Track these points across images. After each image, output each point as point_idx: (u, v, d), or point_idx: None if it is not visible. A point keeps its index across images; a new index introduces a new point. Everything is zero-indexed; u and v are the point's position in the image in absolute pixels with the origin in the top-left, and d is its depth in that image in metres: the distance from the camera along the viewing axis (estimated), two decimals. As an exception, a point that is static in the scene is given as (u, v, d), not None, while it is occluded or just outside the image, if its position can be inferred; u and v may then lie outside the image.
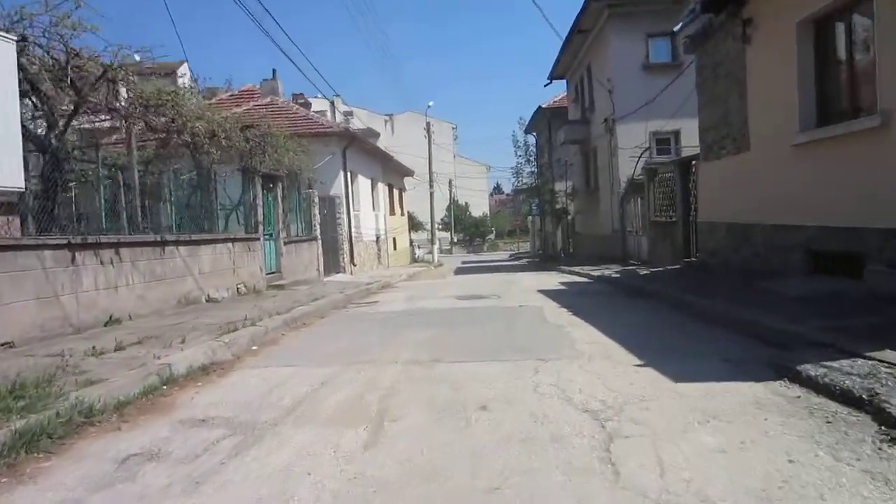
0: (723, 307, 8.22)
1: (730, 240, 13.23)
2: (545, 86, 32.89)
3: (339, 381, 5.88)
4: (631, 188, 22.40)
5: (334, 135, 22.88)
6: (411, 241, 43.72)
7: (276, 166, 16.22)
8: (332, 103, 66.39)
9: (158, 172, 12.55)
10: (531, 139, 37.10)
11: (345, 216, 23.22)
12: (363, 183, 26.80)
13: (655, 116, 22.43)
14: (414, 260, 40.48)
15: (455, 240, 70.66)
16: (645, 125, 22.68)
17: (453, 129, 74.13)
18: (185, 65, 47.44)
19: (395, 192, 35.21)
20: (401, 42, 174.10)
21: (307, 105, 30.00)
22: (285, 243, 16.72)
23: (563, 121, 29.93)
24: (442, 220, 68.52)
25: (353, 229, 23.91)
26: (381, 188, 30.62)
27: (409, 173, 38.69)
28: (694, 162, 16.31)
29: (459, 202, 73.10)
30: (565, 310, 10.27)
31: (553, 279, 18.10)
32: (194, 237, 11.65)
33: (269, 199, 16.11)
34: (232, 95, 25.87)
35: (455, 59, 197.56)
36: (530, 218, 53.71)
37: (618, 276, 16.21)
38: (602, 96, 24.63)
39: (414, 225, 47.57)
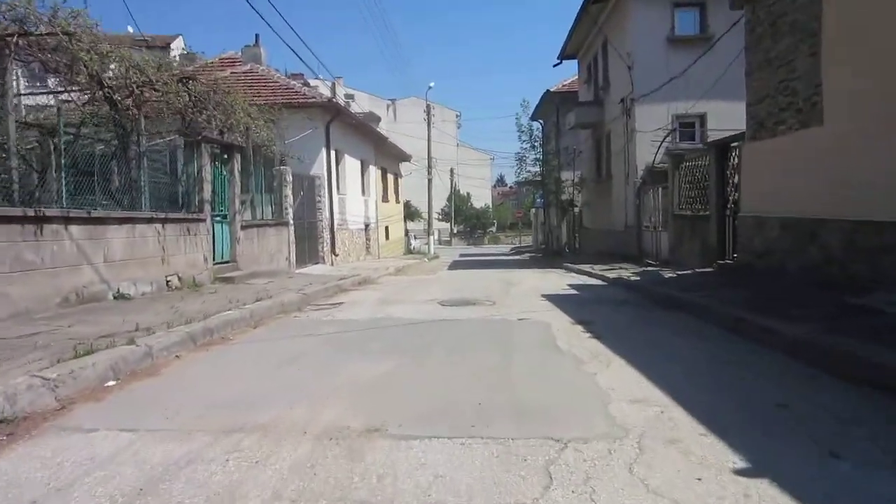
0: (833, 341, 5.35)
1: (787, 238, 10.39)
2: (554, 66, 29.99)
3: (176, 485, 3.06)
4: (650, 177, 19.53)
5: (316, 106, 20.00)
6: (407, 231, 40.88)
7: (237, 136, 13.39)
8: (333, 85, 63.70)
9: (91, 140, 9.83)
10: (536, 125, 34.12)
11: (326, 199, 20.37)
12: (351, 164, 23.94)
13: (679, 97, 19.57)
14: (409, 251, 37.65)
15: (455, 231, 67.75)
16: (667, 107, 19.81)
17: (457, 116, 71.13)
18: (181, 38, 44.60)
19: (390, 177, 32.35)
20: (407, 33, 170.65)
21: (306, 86, 27.09)
22: (243, 227, 13.91)
23: (572, 105, 26.98)
24: (442, 210, 65.63)
25: (335, 215, 21.06)
26: (373, 172, 27.75)
27: (406, 158, 35.79)
28: (734, 144, 13.44)
29: (461, 192, 70.15)
30: (581, 328, 7.44)
31: (559, 280, 15.27)
32: (95, 214, 8.80)
33: (224, 173, 13.29)
34: (209, 64, 22.98)
35: (461, 51, 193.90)
36: (533, 210, 50.85)
37: (637, 278, 13.37)
38: (619, 74, 21.71)
39: (410, 214, 44.72)
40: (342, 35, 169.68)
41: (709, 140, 14.40)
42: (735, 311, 7.47)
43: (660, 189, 17.97)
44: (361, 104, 62.29)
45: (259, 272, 14.30)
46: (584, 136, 28.24)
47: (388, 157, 31.34)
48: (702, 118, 20.07)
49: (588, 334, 7.01)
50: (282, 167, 16.81)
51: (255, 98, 17.28)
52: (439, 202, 64.18)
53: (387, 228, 30.79)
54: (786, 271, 10.30)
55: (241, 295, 10.26)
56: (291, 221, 17.05)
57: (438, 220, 65.05)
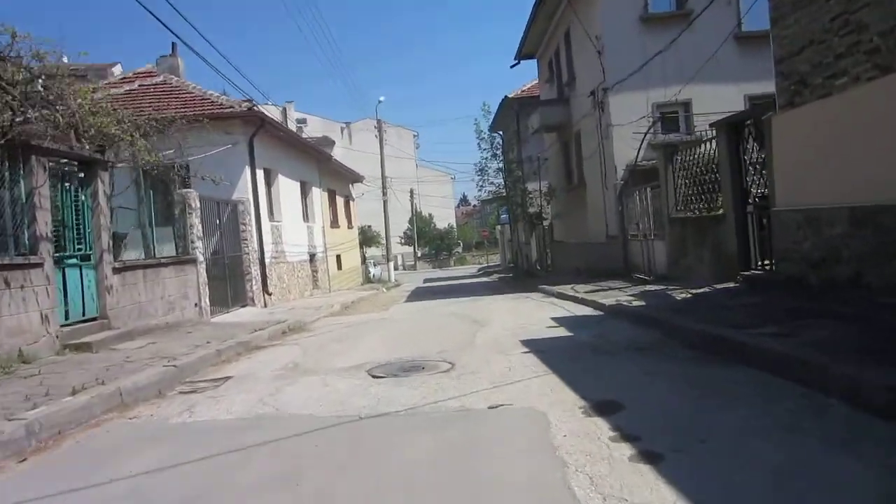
0: None
1: (863, 238, 7.07)
2: (512, 66, 26.85)
3: None
4: (632, 178, 16.27)
5: (235, 117, 16.40)
6: (364, 259, 37.21)
7: (112, 153, 9.82)
8: (284, 110, 60.23)
9: None
10: (497, 137, 30.61)
11: (253, 228, 16.70)
12: (288, 186, 20.31)
13: (658, 83, 16.46)
14: (368, 280, 33.96)
15: (419, 254, 64.13)
16: (645, 95, 16.64)
17: (414, 136, 67.77)
18: (119, 66, 41.09)
19: (340, 200, 28.73)
20: (354, 52, 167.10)
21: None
22: (119, 270, 10.21)
23: (534, 108, 23.66)
24: (404, 233, 62.05)
25: (267, 246, 17.39)
26: (318, 195, 24.14)
27: (359, 178, 32.24)
28: (748, 122, 10.20)
29: (423, 213, 66.63)
30: (608, 428, 3.95)
31: (539, 309, 11.82)
32: None
33: (82, 198, 9.61)
34: (124, 78, 19.34)
35: (418, 78, 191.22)
36: (499, 227, 47.54)
37: (641, 303, 9.97)
38: (586, 64, 18.52)
39: (368, 240, 41.10)
40: (292, 58, 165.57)
41: (715, 121, 11.13)
42: (879, 374, 4.07)
43: (647, 190, 14.68)
44: (314, 128, 58.72)
45: (147, 328, 10.60)
46: (549, 141, 25.02)
47: (336, 178, 27.77)
48: (686, 105, 16.92)
49: (626, 449, 3.52)
50: (184, 191, 13.16)
51: (161, 110, 13.85)
52: (401, 225, 60.66)
53: (338, 257, 27.12)
54: (866, 286, 6.98)
55: (70, 378, 6.61)
56: (202, 258, 13.37)
57: (401, 243, 61.53)
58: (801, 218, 8.29)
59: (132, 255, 11.91)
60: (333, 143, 59.11)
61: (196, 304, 12.93)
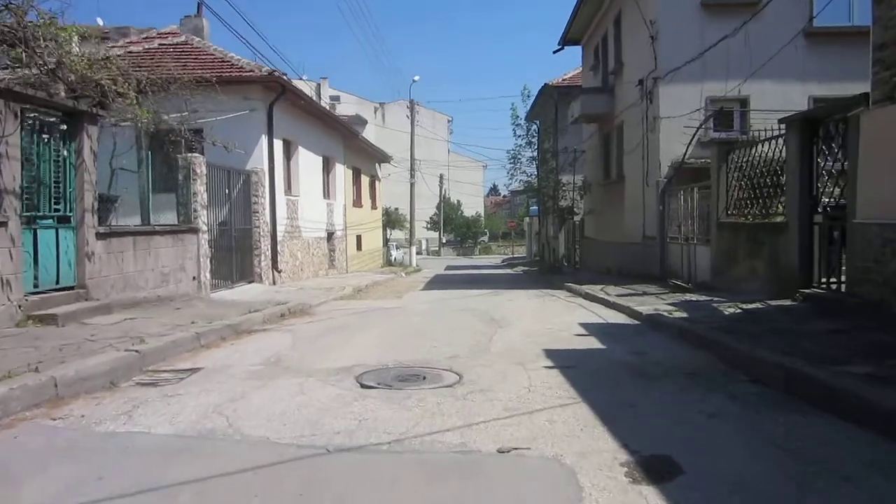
0: None
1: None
2: (555, 52, 25.33)
3: None
4: (677, 176, 14.91)
5: (253, 81, 15.30)
6: (387, 241, 36.12)
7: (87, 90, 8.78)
8: (318, 86, 59.36)
9: None
10: (533, 126, 29.10)
11: (267, 200, 15.63)
12: (309, 159, 19.22)
13: (715, 76, 15.09)
14: (388, 263, 32.90)
15: (444, 240, 62.96)
16: (699, 88, 15.24)
17: (449, 121, 66.41)
18: (154, 31, 40.32)
19: (365, 179, 27.61)
20: (400, 42, 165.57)
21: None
22: (104, 235, 9.17)
23: (575, 97, 22.18)
24: (431, 218, 60.90)
25: (281, 220, 16.33)
26: (341, 171, 23.04)
27: (387, 158, 31.07)
28: (827, 120, 8.84)
29: (451, 200, 65.38)
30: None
31: (565, 312, 10.59)
32: None
33: (62, 152, 8.56)
34: (146, 38, 18.36)
35: (455, 59, 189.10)
36: (527, 219, 46.19)
37: (683, 315, 8.69)
38: (637, 51, 17.14)
39: (392, 221, 40.01)
40: (331, 41, 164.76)
41: (786, 117, 9.75)
42: None
43: (694, 190, 13.32)
44: (348, 106, 57.70)
45: (133, 301, 9.58)
46: (589, 132, 23.65)
47: (362, 155, 26.65)
48: (742, 102, 15.49)
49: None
50: (190, 155, 12.10)
51: (176, 71, 12.85)
52: (428, 210, 59.56)
53: (359, 238, 26.04)
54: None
55: (8, 359, 5.57)
56: (204, 228, 12.32)
57: (427, 228, 60.48)
58: (891, 234, 6.95)
59: (128, 221, 10.95)
60: (366, 121, 58.20)
61: (194, 278, 11.90)
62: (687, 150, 14.41)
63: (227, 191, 13.89)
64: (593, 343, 7.24)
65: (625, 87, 18.29)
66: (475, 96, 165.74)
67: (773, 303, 9.12)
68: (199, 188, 12.22)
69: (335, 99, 58.47)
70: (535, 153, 25.17)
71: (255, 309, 10.08)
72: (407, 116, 36.77)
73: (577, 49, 25.39)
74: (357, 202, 26.07)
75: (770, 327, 7.19)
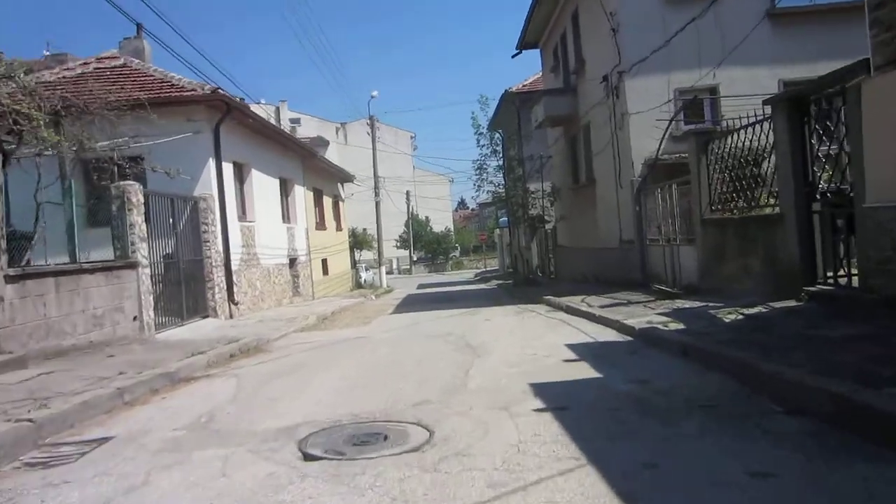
0: None
1: None
2: (513, 56, 24.47)
3: None
4: (652, 174, 14.02)
5: (197, 101, 14.11)
6: (355, 263, 34.87)
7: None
8: (277, 109, 57.97)
9: None
10: (497, 135, 28.11)
11: (217, 228, 14.39)
12: (263, 182, 18.01)
13: (682, 65, 14.27)
14: (358, 285, 31.64)
15: (415, 258, 61.78)
16: (667, 79, 14.41)
17: (412, 137, 65.50)
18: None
19: (327, 200, 26.41)
20: (362, 65, 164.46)
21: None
22: (15, 278, 7.90)
23: (538, 100, 21.27)
24: (400, 236, 59.71)
25: (235, 248, 15.09)
26: (301, 193, 21.83)
27: (348, 178, 29.90)
28: (817, 97, 7.95)
29: (419, 217, 64.29)
30: None
31: (549, 330, 9.55)
32: None
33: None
34: (84, 63, 17.07)
35: (418, 81, 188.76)
36: (497, 231, 45.31)
37: (681, 326, 7.71)
38: (598, 47, 16.29)
39: (359, 242, 38.78)
40: (289, 64, 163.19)
41: (771, 97, 8.87)
42: None
43: (672, 187, 12.41)
44: (309, 128, 56.55)
45: (57, 350, 8.32)
46: (554, 136, 22.77)
47: (323, 176, 25.47)
48: (712, 91, 14.67)
49: None
50: (123, 183, 10.87)
51: (116, 93, 11.80)
52: (397, 228, 58.37)
53: (324, 262, 24.80)
54: None
55: None
56: (145, 262, 11.07)
57: (396, 247, 59.31)
58: (911, 218, 6.03)
59: (58, 259, 9.73)
60: (328, 142, 57.00)
61: (135, 318, 10.63)
62: (660, 146, 13.52)
63: (171, 220, 12.64)
64: (585, 370, 6.17)
65: (588, 86, 17.42)
66: (438, 112, 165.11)
67: (777, 305, 8.17)
68: (136, 219, 10.97)
69: (295, 121, 57.27)
70: (501, 162, 24.25)
71: (201, 350, 8.87)
72: (368, 134, 35.65)
73: (536, 53, 24.59)
74: (320, 224, 24.85)
75: (784, 336, 6.21)
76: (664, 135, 13.44)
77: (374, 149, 32.57)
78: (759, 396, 4.68)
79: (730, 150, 10.31)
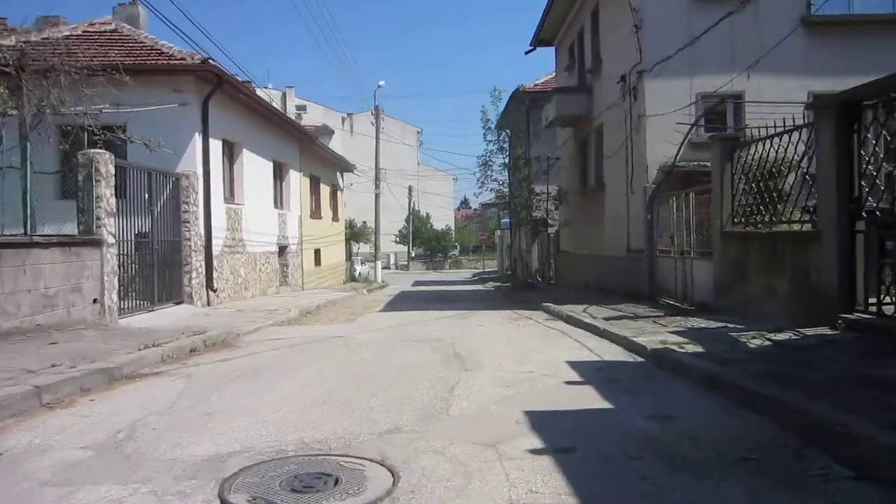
0: None
1: None
2: (527, 52, 23.41)
3: None
4: (667, 181, 13.04)
5: (186, 71, 13.12)
6: (351, 255, 33.87)
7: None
8: (284, 95, 56.93)
9: None
10: (503, 135, 27.02)
11: (199, 209, 13.38)
12: (256, 164, 17.01)
13: (706, 69, 13.30)
14: (352, 278, 30.65)
15: (413, 254, 60.76)
16: (689, 82, 13.44)
17: (418, 132, 64.45)
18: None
19: (325, 188, 25.40)
20: (373, 58, 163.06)
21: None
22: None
23: (549, 98, 20.24)
24: (399, 231, 58.71)
25: (218, 231, 14.06)
26: (296, 179, 20.83)
27: (348, 167, 28.90)
28: (870, 101, 6.95)
29: (420, 213, 63.26)
30: None
31: (549, 343, 8.53)
32: None
33: None
34: (74, 27, 16.07)
35: (428, 74, 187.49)
36: (498, 232, 44.32)
37: (700, 350, 6.71)
38: (618, 45, 15.30)
39: (356, 234, 37.79)
40: (300, 52, 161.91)
41: (814, 101, 7.87)
42: None
43: (690, 196, 11.40)
44: (315, 116, 55.48)
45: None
46: (563, 138, 21.75)
47: (321, 163, 24.45)
48: (736, 98, 13.65)
49: None
50: (92, 151, 9.87)
51: (100, 58, 10.93)
52: (397, 223, 57.38)
53: (317, 252, 23.79)
54: None
55: None
56: (111, 239, 10.08)
57: (395, 241, 58.35)
58: None
59: (16, 231, 8.75)
60: (333, 131, 55.93)
61: (96, 300, 9.63)
62: (679, 151, 12.52)
63: (146, 196, 11.63)
64: (593, 398, 5.16)
65: (604, 86, 16.41)
66: (447, 106, 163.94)
67: (808, 332, 7.17)
68: (104, 191, 9.97)
69: (301, 108, 56.20)
70: (507, 160, 23.23)
71: (159, 342, 7.88)
72: (372, 124, 34.63)
73: (551, 51, 23.57)
74: (315, 213, 23.84)
75: (829, 373, 5.21)
76: (684, 140, 12.44)
77: (377, 138, 31.58)
78: (814, 450, 3.69)
79: (760, 159, 9.30)
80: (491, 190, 23.38)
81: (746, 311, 9.06)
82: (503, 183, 23.30)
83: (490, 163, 22.24)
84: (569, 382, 5.76)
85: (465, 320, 11.87)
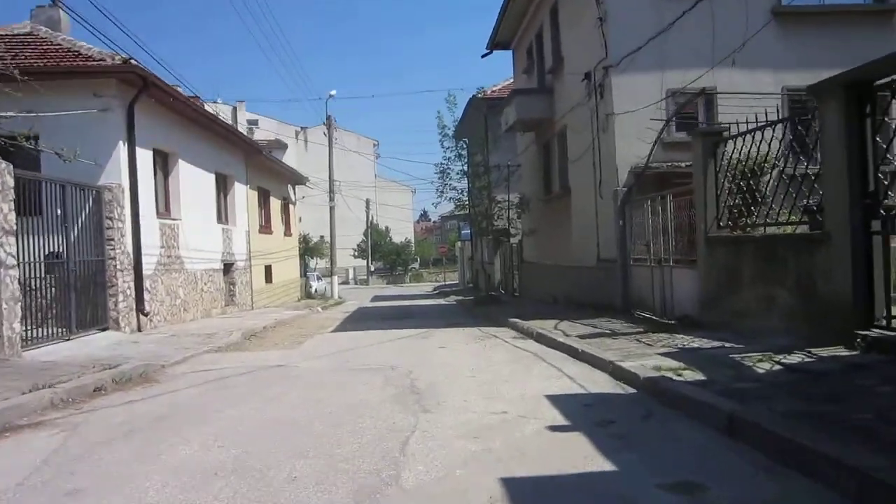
0: None
1: None
2: (483, 56, 22.34)
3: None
4: (639, 184, 12.06)
5: (106, 73, 11.67)
6: (306, 271, 32.35)
7: None
8: (234, 109, 54.99)
9: None
10: (462, 141, 25.91)
11: (126, 225, 11.92)
12: (193, 175, 15.53)
13: (676, 63, 12.38)
14: (308, 295, 29.14)
15: (373, 269, 59.25)
16: (659, 78, 12.52)
17: (375, 145, 63.04)
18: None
19: (275, 202, 23.92)
20: (323, 72, 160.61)
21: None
22: None
23: (509, 101, 19.20)
24: (358, 245, 57.18)
25: (146, 249, 12.56)
26: (242, 192, 19.37)
27: (301, 180, 27.44)
28: (883, 80, 5.98)
29: (379, 226, 61.84)
30: None
31: (521, 369, 7.33)
32: None
33: None
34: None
35: (383, 87, 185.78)
36: (459, 244, 43.27)
37: (702, 378, 5.63)
38: (579, 44, 14.36)
39: (312, 250, 36.28)
40: (252, 70, 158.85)
41: (819, 83, 6.85)
42: None
43: (667, 199, 10.37)
44: (268, 130, 53.72)
45: None
46: (524, 144, 20.78)
47: (270, 175, 23.00)
48: (709, 96, 12.75)
49: None
50: (-14, 159, 8.41)
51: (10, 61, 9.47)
52: (355, 237, 55.85)
53: (268, 269, 22.29)
54: None
55: None
56: (12, 261, 8.60)
57: (354, 256, 56.81)
58: None
59: None
60: (286, 145, 54.35)
61: (-12, 332, 8.14)
62: (651, 151, 11.54)
63: (59, 211, 10.16)
64: (587, 453, 3.96)
65: (566, 86, 15.43)
66: (404, 118, 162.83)
67: (822, 353, 6.13)
68: (2, 206, 8.51)
69: (253, 122, 54.38)
70: (466, 167, 22.13)
71: (55, 381, 6.47)
72: (325, 134, 33.27)
73: (508, 56, 22.61)
74: (265, 228, 22.36)
75: (874, 409, 4.13)
76: (657, 138, 11.48)
77: (330, 149, 30.24)
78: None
79: (747, 154, 8.31)
80: (450, 199, 22.19)
81: (738, 325, 8.04)
82: (462, 191, 22.16)
83: (448, 170, 21.09)
84: (552, 428, 4.57)
85: (425, 341, 10.65)
